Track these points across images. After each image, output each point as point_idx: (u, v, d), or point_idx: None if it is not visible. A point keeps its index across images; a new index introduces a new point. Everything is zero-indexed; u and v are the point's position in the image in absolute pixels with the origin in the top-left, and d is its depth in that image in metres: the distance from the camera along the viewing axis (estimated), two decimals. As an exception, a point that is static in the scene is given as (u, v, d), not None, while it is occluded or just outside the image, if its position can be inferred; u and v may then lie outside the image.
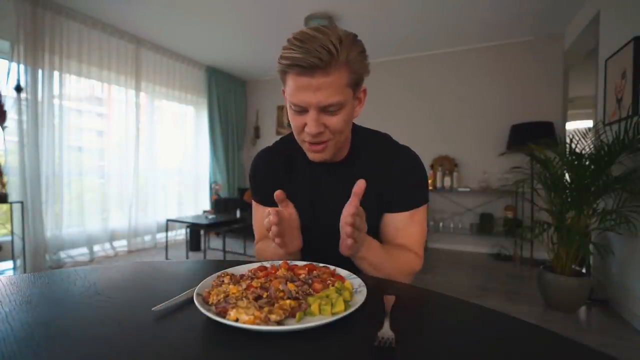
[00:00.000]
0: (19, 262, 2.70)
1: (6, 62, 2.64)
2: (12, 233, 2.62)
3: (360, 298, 0.49)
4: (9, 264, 2.69)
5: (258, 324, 0.41)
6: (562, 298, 2.04)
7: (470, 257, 3.50)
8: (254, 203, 0.88)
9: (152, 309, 0.47)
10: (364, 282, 0.55)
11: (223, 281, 0.55)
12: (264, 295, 0.49)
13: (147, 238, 3.84)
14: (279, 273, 0.58)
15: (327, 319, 0.42)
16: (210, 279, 0.56)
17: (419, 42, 3.69)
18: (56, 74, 2.93)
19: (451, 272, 2.98)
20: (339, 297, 0.48)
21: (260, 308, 0.44)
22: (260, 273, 0.59)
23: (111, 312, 0.47)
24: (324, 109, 0.63)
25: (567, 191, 2.05)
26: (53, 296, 0.53)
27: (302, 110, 0.64)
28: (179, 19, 3.19)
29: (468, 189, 3.57)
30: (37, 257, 2.79)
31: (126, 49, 3.52)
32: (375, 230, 0.80)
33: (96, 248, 3.35)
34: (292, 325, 0.42)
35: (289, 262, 0.64)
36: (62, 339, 0.39)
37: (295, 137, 0.73)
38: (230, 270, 0.61)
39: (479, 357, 0.37)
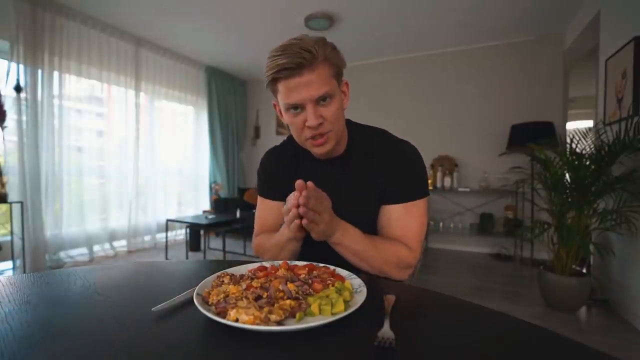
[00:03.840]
0: (18, 262, 2.70)
1: (6, 62, 2.64)
2: (11, 233, 2.62)
3: (360, 298, 0.49)
4: (8, 264, 2.69)
5: (258, 324, 0.41)
6: (562, 298, 2.04)
7: (470, 257, 3.50)
8: (259, 198, 0.92)
9: (152, 309, 0.46)
10: (364, 282, 0.55)
11: (223, 281, 0.55)
12: (264, 296, 0.49)
13: (147, 238, 3.83)
14: (279, 273, 0.58)
15: (327, 319, 0.42)
16: (210, 279, 0.56)
17: (419, 42, 3.68)
18: (56, 74, 2.92)
19: (451, 272, 2.98)
20: (339, 297, 0.48)
21: (260, 308, 0.44)
22: (260, 273, 0.59)
23: (111, 312, 0.47)
24: (319, 101, 0.68)
25: (568, 191, 2.05)
26: (53, 296, 0.53)
27: (299, 109, 0.69)
28: (179, 19, 3.19)
29: (468, 189, 3.57)
30: (37, 257, 2.78)
31: (126, 49, 3.52)
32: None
33: (96, 248, 3.34)
34: (292, 326, 0.41)
35: (288, 262, 0.64)
36: (62, 338, 0.39)
37: (297, 139, 0.76)
38: (230, 270, 0.61)
39: (479, 357, 0.37)
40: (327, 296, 0.49)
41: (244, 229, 3.33)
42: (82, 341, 0.39)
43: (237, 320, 0.41)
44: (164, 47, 3.91)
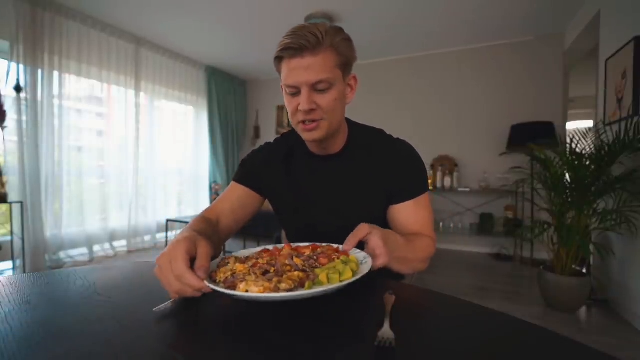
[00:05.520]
0: (18, 262, 2.70)
1: (6, 62, 2.64)
2: (11, 233, 2.62)
3: (366, 268, 0.48)
4: (8, 264, 2.69)
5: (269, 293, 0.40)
6: (562, 298, 2.04)
7: (470, 257, 3.50)
8: (232, 183, 0.87)
9: (153, 309, 0.46)
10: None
11: (228, 262, 0.54)
12: (271, 270, 0.48)
13: (147, 238, 3.83)
14: (283, 252, 0.57)
15: (338, 285, 0.42)
16: (215, 262, 0.55)
17: (419, 42, 3.68)
18: (56, 73, 2.92)
19: (451, 272, 2.98)
20: (346, 267, 0.47)
21: (269, 280, 0.43)
22: (265, 254, 0.58)
23: (111, 313, 0.47)
24: (315, 87, 0.68)
25: (568, 191, 2.05)
26: (53, 296, 0.53)
27: (295, 91, 0.69)
28: (179, 19, 3.19)
29: (468, 189, 3.57)
30: (37, 257, 2.78)
31: (126, 49, 3.52)
32: (381, 222, 0.82)
33: (96, 248, 3.34)
34: (305, 291, 0.40)
35: (292, 244, 0.64)
36: (62, 339, 0.39)
37: (291, 121, 0.75)
38: (234, 254, 0.61)
39: (479, 357, 0.37)
40: (334, 267, 0.48)
41: (244, 229, 3.31)
42: (83, 342, 0.39)
43: (247, 292, 0.40)
44: (164, 47, 3.91)
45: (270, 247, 0.63)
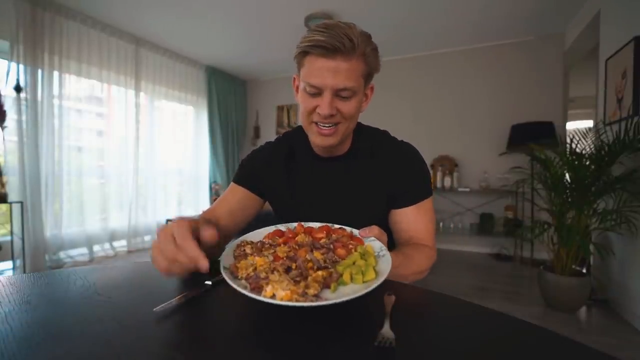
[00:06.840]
0: (18, 262, 2.70)
1: (6, 62, 2.64)
2: (11, 233, 2.61)
3: (385, 263, 0.49)
4: (8, 264, 2.69)
5: (297, 300, 0.40)
6: (562, 298, 2.04)
7: (470, 257, 3.50)
8: (232, 184, 0.86)
9: (154, 309, 0.46)
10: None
11: (244, 251, 0.54)
12: (293, 267, 0.48)
13: (147, 238, 3.83)
14: (299, 239, 0.57)
15: (363, 288, 0.43)
16: (231, 249, 0.55)
17: (419, 42, 3.69)
18: (56, 73, 2.92)
19: (451, 272, 2.98)
20: (367, 264, 0.48)
21: (296, 282, 0.43)
22: (280, 239, 0.58)
23: (111, 313, 0.47)
24: (338, 93, 0.65)
25: (568, 191, 2.05)
26: (53, 296, 0.53)
27: (316, 92, 0.66)
28: (179, 19, 3.19)
29: (468, 189, 3.57)
30: (37, 257, 2.78)
31: (126, 49, 3.52)
32: (382, 225, 0.81)
33: (96, 248, 3.34)
34: (335, 299, 0.40)
35: (303, 224, 0.63)
36: (62, 339, 0.39)
37: (303, 120, 0.73)
38: (248, 237, 0.60)
39: (479, 357, 0.37)
40: (354, 263, 0.49)
41: (244, 229, 3.32)
42: (83, 342, 0.39)
43: (273, 297, 0.41)
44: (164, 47, 3.91)
45: (284, 228, 0.63)
